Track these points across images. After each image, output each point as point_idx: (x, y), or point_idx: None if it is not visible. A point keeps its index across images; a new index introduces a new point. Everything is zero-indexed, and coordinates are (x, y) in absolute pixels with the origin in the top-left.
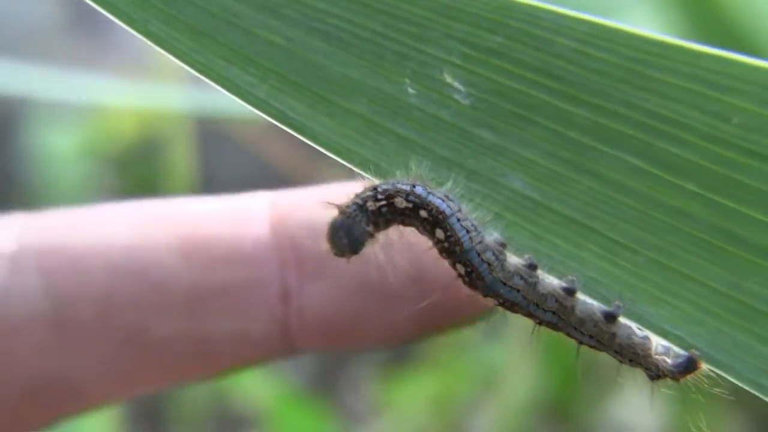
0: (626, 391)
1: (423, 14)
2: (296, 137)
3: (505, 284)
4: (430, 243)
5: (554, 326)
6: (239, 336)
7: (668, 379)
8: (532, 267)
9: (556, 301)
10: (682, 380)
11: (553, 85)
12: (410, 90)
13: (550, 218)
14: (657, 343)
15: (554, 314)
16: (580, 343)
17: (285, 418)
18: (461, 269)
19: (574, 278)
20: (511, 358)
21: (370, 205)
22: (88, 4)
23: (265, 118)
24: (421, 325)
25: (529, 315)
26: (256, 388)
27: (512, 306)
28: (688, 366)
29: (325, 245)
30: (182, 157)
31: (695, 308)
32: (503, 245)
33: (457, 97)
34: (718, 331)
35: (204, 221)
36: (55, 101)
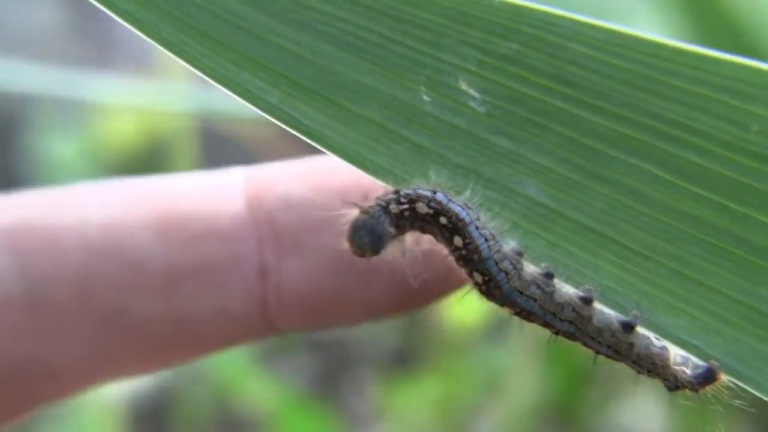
0: (630, 395)
1: (438, 21)
2: (299, 139)
3: (522, 293)
4: (446, 251)
5: (571, 336)
6: (218, 314)
7: (687, 391)
8: (549, 276)
9: (573, 310)
10: (701, 391)
11: (568, 91)
12: (425, 97)
13: (565, 226)
14: (675, 353)
15: (571, 324)
16: (597, 353)
17: (287, 421)
18: (478, 278)
19: (591, 287)
20: (515, 361)
21: (393, 208)
22: (90, 6)
23: (269, 121)
24: (400, 299)
25: (546, 324)
26: (259, 390)
27: (528, 315)
28: (708, 377)
29: (344, 243)
30: (185, 158)
31: (713, 317)
32: (520, 254)
33: (472, 104)
34: (736, 340)
35: (180, 198)
36: (57, 102)
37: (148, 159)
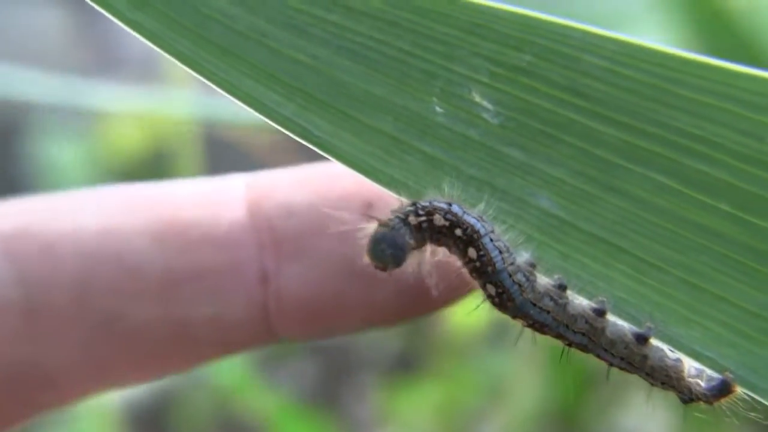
0: (633, 399)
1: (451, 33)
2: (302, 146)
3: (535, 305)
4: (459, 263)
5: (584, 348)
6: (217, 321)
7: (701, 403)
8: (562, 287)
9: (586, 322)
10: (715, 404)
11: (581, 103)
12: (438, 109)
13: (578, 237)
14: (690, 365)
15: (584, 336)
16: (611, 365)
17: (288, 427)
18: (491, 290)
19: (604, 299)
20: (517, 366)
21: (412, 220)
22: (93, 12)
23: (273, 128)
24: (401, 307)
25: (559, 336)
26: (259, 396)
27: (541, 327)
28: (722, 389)
29: (365, 258)
30: (188, 165)
31: (727, 329)
32: (533, 266)
33: (485, 115)
34: (750, 352)
35: (179, 204)
36: (60, 110)
37: (151, 166)
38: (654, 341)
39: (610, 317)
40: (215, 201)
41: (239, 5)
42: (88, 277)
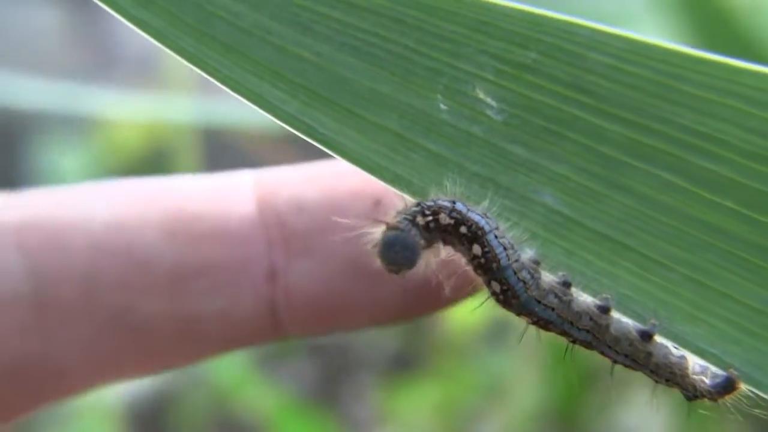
0: (633, 398)
1: (456, 30)
2: (304, 147)
3: (539, 302)
4: (464, 260)
5: (588, 345)
6: (225, 316)
7: (706, 400)
8: (566, 285)
9: (591, 319)
10: (720, 401)
11: (585, 100)
12: (442, 106)
13: (583, 234)
14: (694, 362)
15: (588, 333)
16: (615, 362)
17: (287, 426)
18: (496, 287)
19: (609, 296)
20: (516, 365)
21: (420, 220)
22: (92, 12)
23: (273, 129)
24: (409, 304)
25: (564, 333)
26: (258, 395)
27: (546, 324)
28: (727, 386)
29: (376, 261)
30: (188, 167)
31: (731, 326)
32: (537, 263)
33: (489, 112)
34: (755, 349)
35: (189, 198)
36: (60, 114)
37: (150, 168)
38: (658, 338)
39: (615, 314)
40: (225, 196)
41: (243, 2)
42: (98, 270)
